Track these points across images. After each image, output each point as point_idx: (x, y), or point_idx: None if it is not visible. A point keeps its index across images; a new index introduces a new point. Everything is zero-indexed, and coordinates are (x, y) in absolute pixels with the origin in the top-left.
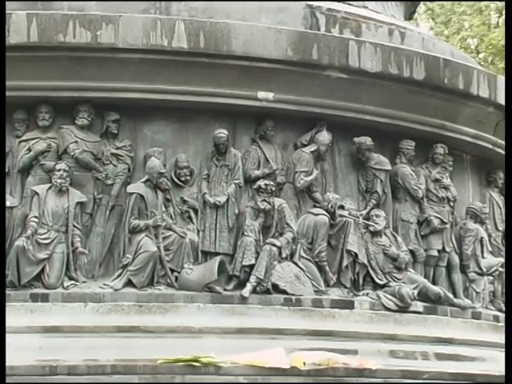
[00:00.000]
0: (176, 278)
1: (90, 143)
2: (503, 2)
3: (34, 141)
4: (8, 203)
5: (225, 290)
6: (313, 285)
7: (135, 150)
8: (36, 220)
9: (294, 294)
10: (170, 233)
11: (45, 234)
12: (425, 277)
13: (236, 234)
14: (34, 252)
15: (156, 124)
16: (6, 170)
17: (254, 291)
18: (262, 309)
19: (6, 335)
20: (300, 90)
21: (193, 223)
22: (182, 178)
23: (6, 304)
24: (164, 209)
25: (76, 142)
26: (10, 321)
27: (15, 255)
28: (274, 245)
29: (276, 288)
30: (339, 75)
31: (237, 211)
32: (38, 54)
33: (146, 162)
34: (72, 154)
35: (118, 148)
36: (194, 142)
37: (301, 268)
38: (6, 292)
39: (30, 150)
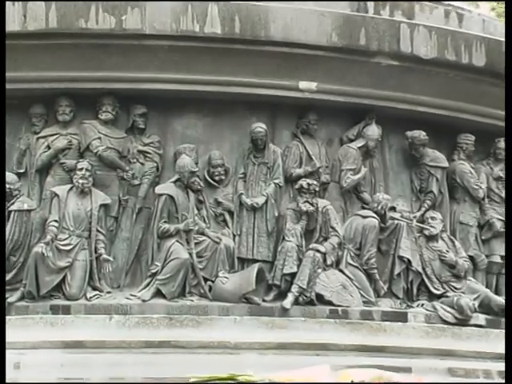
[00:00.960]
0: (210, 288)
1: (115, 139)
2: None
3: (54, 137)
4: (25, 206)
5: (264, 300)
6: (361, 295)
7: (164, 147)
8: (56, 224)
9: (340, 306)
10: (203, 238)
11: (66, 239)
12: (486, 286)
13: (276, 238)
14: (53, 259)
15: (187, 118)
16: (23, 170)
17: (296, 302)
18: (304, 321)
19: (25, 351)
20: (346, 79)
21: (228, 227)
22: (216, 178)
23: (24, 317)
24: (196, 211)
25: (99, 138)
26: (29, 335)
27: (33, 263)
28: (318, 251)
29: (320, 299)
30: (390, 62)
31: (276, 214)
32: (58, 42)
33: (176, 160)
34: (95, 151)
35: (145, 144)
36: (229, 138)
37: (348, 276)
38: (24, 303)
39: (49, 147)
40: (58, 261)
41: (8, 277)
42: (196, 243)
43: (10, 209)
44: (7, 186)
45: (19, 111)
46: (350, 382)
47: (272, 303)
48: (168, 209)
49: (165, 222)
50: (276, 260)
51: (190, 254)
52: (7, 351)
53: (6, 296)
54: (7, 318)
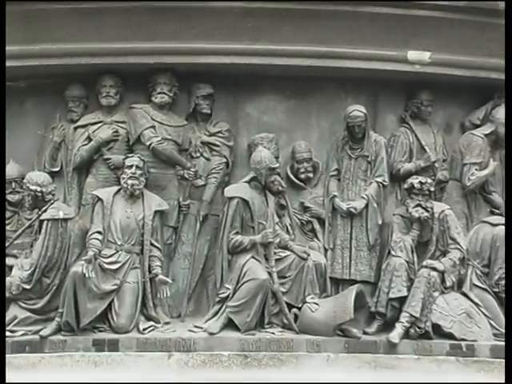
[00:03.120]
0: (295, 317)
1: (173, 128)
2: None
3: (96, 126)
4: (61, 214)
5: (365, 333)
6: (491, 326)
7: (235, 137)
8: (99, 237)
9: (464, 339)
10: (287, 253)
11: (112, 255)
12: None
13: (379, 253)
14: (97, 282)
15: (264, 100)
16: (58, 168)
17: (406, 335)
18: (418, 360)
19: None
20: (470, 47)
21: (318, 239)
22: (302, 176)
23: (61, 354)
24: (277, 219)
25: (153, 126)
26: (68, 377)
27: (72, 286)
28: (435, 269)
29: (438, 330)
30: None
31: (380, 221)
32: (98, 6)
33: (251, 154)
34: (148, 143)
35: (211, 134)
36: (317, 125)
37: (473, 301)
38: (61, 337)
39: (89, 138)
40: (102, 283)
41: (40, 304)
42: (277, 260)
43: (42, 218)
44: (38, 188)
45: (52, 94)
46: None
47: (375, 336)
48: (241, 216)
49: (237, 232)
50: (380, 281)
51: (270, 274)
52: None
53: (39, 328)
54: (40, 355)
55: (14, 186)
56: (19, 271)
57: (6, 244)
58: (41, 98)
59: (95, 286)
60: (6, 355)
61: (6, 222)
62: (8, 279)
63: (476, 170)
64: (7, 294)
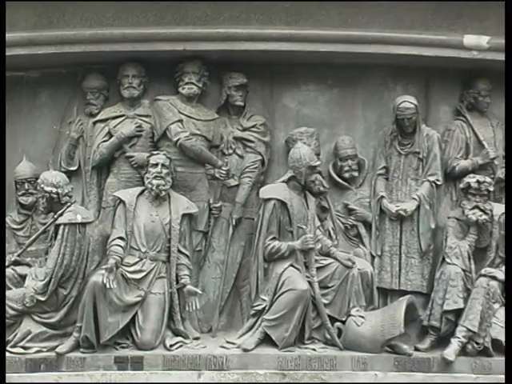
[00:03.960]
0: (339, 332)
1: (203, 123)
2: None
3: (117, 120)
4: (79, 218)
5: (416, 349)
6: None
7: (272, 132)
8: (121, 243)
9: None
10: (329, 261)
11: (135, 264)
12: None
13: (432, 261)
14: (119, 293)
15: (304, 90)
16: (75, 167)
17: (463, 352)
18: (476, 379)
19: None
20: None
21: (364, 245)
22: (346, 175)
23: (80, 373)
24: (318, 223)
25: (180, 120)
26: None
27: (91, 298)
28: (495, 278)
29: (498, 346)
30: None
31: (433, 225)
32: None
33: (290, 151)
34: (175, 139)
35: (245, 129)
36: (363, 117)
37: None
38: (79, 355)
39: (110, 134)
40: (124, 295)
41: (56, 317)
42: (319, 268)
43: (58, 222)
44: (53, 189)
45: (69, 84)
46: None
47: (428, 353)
48: (278, 220)
49: (274, 238)
50: (433, 291)
51: (311, 284)
52: None
53: (55, 344)
54: (56, 374)
55: (26, 187)
56: (33, 281)
57: (19, 251)
58: (56, 89)
59: (117, 297)
60: (19, 374)
61: (19, 226)
62: (21, 290)
63: None
64: (20, 307)
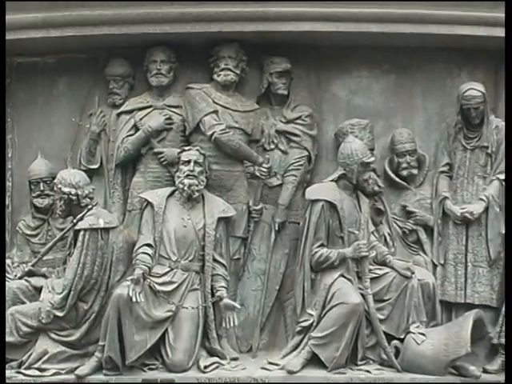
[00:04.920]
0: (397, 351)
1: (241, 114)
2: None
3: (144, 112)
4: (101, 222)
5: (485, 371)
6: None
7: (319, 125)
8: (149, 251)
9: None
10: (385, 270)
11: (165, 274)
12: None
13: (503, 270)
14: (147, 307)
15: (355, 77)
16: (97, 165)
17: None
18: None
19: None
20: None
21: (424, 252)
22: (404, 172)
23: None
24: (373, 227)
25: (215, 112)
26: None
27: (115, 313)
28: None
29: None
30: None
31: (503, 230)
32: None
33: (340, 146)
34: (209, 133)
35: (289, 121)
36: (423, 108)
37: None
38: (102, 377)
39: (136, 127)
40: (153, 309)
41: (76, 335)
42: (373, 279)
43: (77, 227)
44: (72, 190)
45: (89, 72)
46: None
47: (498, 375)
48: (327, 224)
49: (322, 244)
50: (504, 305)
51: (364, 297)
52: None
53: (75, 366)
54: None
55: (42, 187)
56: (50, 294)
57: (33, 260)
58: (75, 77)
59: (144, 312)
60: None
61: (33, 232)
62: (36, 305)
63: None
64: (35, 323)
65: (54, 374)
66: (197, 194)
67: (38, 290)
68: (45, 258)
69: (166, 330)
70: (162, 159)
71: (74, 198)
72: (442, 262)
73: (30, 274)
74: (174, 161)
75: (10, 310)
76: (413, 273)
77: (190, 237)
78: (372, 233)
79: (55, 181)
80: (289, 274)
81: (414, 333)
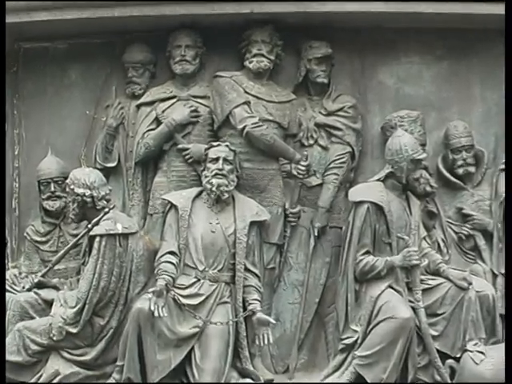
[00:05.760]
0: (452, 372)
1: (276, 105)
2: None
3: (167, 104)
4: (119, 227)
5: None
6: None
7: (364, 117)
8: (173, 259)
9: None
10: (439, 281)
11: (191, 286)
12: None
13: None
14: (171, 323)
15: (405, 63)
16: (114, 163)
17: None
18: None
19: None
20: None
21: (483, 261)
22: (460, 170)
23: None
24: (425, 232)
25: (247, 103)
26: None
27: (135, 329)
28: None
29: None
30: None
31: None
32: None
33: (387, 140)
34: (240, 126)
35: (330, 113)
36: (481, 98)
37: None
38: None
39: (158, 121)
40: (178, 325)
41: (92, 354)
42: (425, 290)
43: (92, 233)
44: (86, 191)
45: (105, 58)
46: None
47: None
48: (373, 228)
49: (367, 252)
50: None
51: (415, 311)
52: None
53: None
54: None
55: (53, 188)
56: (62, 308)
57: (43, 270)
58: (89, 64)
59: (168, 329)
60: None
61: (43, 239)
62: (46, 320)
63: None
64: (45, 341)
65: None
66: (226, 195)
67: (49, 303)
68: (56, 267)
69: (192, 348)
70: (188, 156)
71: (88, 200)
72: (503, 271)
73: (40, 285)
74: (200, 158)
75: (17, 326)
76: (470, 283)
77: (219, 243)
78: (424, 238)
79: (67, 181)
80: (330, 286)
81: (471, 351)
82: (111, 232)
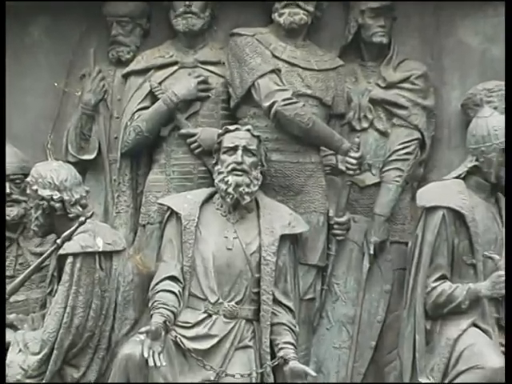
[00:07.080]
0: None
1: (316, 75)
2: None
3: (165, 72)
4: (99, 243)
5: None
6: None
7: (437, 90)
8: (175, 288)
9: None
10: None
11: (199, 324)
12: None
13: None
14: (171, 375)
15: (492, 16)
16: (93, 155)
17: None
18: None
19: None
20: None
21: None
22: None
23: None
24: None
25: (276, 71)
26: None
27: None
28: None
29: None
30: None
31: None
32: None
33: (469, 122)
34: (267, 104)
35: (390, 85)
36: None
37: None
38: None
39: (153, 96)
40: (181, 377)
41: None
42: None
43: (63, 251)
44: (55, 193)
45: (80, 10)
46: None
47: None
48: (451, 244)
49: (443, 276)
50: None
51: (503, 346)
52: None
53: None
54: None
55: (8, 190)
56: (21, 355)
57: None
58: (58, 19)
59: (167, 383)
60: None
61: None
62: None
63: None
64: None
65: None
66: (248, 198)
67: (5, 347)
68: (12, 298)
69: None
70: (194, 145)
71: (57, 205)
72: None
73: None
74: (211, 147)
75: None
76: None
77: (238, 265)
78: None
79: (28, 179)
80: (391, 324)
81: None
82: (89, 250)
